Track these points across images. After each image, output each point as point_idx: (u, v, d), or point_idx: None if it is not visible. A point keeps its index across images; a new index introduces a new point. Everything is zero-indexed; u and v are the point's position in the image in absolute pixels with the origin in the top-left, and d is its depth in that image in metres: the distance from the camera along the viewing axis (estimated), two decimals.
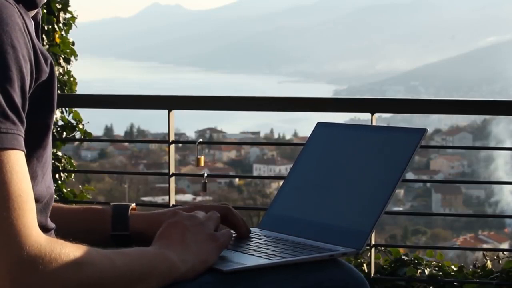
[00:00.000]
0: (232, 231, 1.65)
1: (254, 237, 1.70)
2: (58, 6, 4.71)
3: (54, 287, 1.26)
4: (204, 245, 1.51)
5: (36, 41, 1.38)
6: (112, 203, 1.76)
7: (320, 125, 1.85)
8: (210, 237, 1.53)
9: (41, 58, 1.37)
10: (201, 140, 3.76)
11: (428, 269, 3.79)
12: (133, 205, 1.76)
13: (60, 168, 4.61)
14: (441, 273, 3.79)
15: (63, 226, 1.55)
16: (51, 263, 1.25)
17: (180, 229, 1.52)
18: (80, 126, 4.69)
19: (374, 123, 3.54)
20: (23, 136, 1.30)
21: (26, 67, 1.32)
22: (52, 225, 1.51)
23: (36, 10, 1.49)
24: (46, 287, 1.25)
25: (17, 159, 1.27)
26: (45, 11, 4.62)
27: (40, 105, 1.37)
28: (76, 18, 4.82)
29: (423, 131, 1.67)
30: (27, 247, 1.23)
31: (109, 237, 1.71)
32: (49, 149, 1.45)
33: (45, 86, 1.38)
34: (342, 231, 1.65)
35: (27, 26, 1.37)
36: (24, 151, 1.30)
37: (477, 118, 58.58)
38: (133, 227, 1.72)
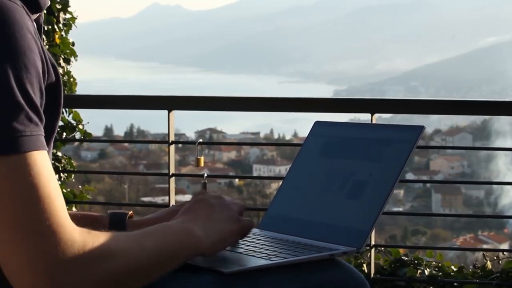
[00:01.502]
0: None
1: (254, 238, 1.70)
2: (58, 6, 4.72)
3: (90, 281, 1.28)
4: (228, 224, 1.54)
5: (42, 44, 1.40)
6: (109, 211, 1.77)
7: (317, 124, 1.85)
8: (235, 218, 1.56)
9: (48, 61, 1.40)
10: (201, 140, 3.76)
11: (428, 269, 3.79)
12: (131, 212, 1.76)
13: (60, 169, 4.60)
14: (441, 273, 3.79)
15: None
16: (86, 258, 1.28)
17: (206, 205, 1.56)
18: (80, 126, 4.69)
19: None
20: (43, 134, 1.32)
21: (40, 67, 1.35)
22: None
23: (39, 14, 1.50)
24: (83, 283, 1.27)
25: (41, 159, 1.29)
26: (44, 11, 4.62)
27: (47, 108, 1.39)
28: (76, 18, 4.83)
29: (420, 128, 1.67)
30: (61, 247, 1.26)
31: None
32: (50, 153, 1.47)
33: (52, 90, 1.41)
34: (342, 230, 1.65)
35: (35, 28, 1.39)
36: (46, 149, 1.33)
37: (477, 118, 58.48)
38: None
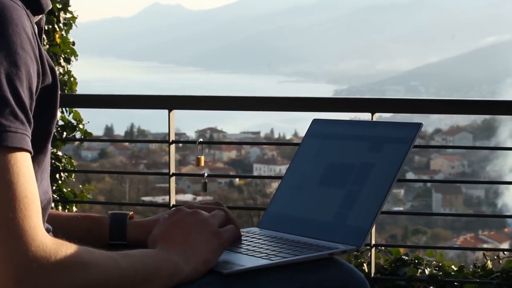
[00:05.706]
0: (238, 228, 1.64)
1: (253, 237, 1.70)
2: (59, 6, 4.71)
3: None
4: (207, 244, 1.50)
5: (41, 46, 1.40)
6: (110, 212, 1.75)
7: (315, 122, 1.85)
8: (214, 234, 1.52)
9: (46, 63, 1.38)
10: (201, 140, 3.76)
11: (428, 269, 3.79)
12: (131, 213, 1.75)
13: (61, 168, 4.60)
14: (441, 273, 3.79)
15: (60, 233, 1.54)
16: (57, 264, 1.25)
17: (183, 228, 1.52)
18: (81, 126, 4.69)
19: None
20: (30, 137, 1.30)
21: (34, 68, 1.33)
22: (48, 227, 1.51)
23: (40, 16, 1.50)
24: None
25: (24, 160, 1.27)
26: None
27: (43, 111, 1.38)
28: (76, 18, 4.83)
29: (418, 125, 1.67)
30: (33, 248, 1.23)
31: (106, 246, 1.70)
32: (49, 155, 1.45)
33: (48, 92, 1.39)
34: (341, 228, 1.64)
35: (34, 30, 1.38)
36: (31, 152, 1.29)
37: (477, 118, 58.56)
38: (131, 236, 1.71)
